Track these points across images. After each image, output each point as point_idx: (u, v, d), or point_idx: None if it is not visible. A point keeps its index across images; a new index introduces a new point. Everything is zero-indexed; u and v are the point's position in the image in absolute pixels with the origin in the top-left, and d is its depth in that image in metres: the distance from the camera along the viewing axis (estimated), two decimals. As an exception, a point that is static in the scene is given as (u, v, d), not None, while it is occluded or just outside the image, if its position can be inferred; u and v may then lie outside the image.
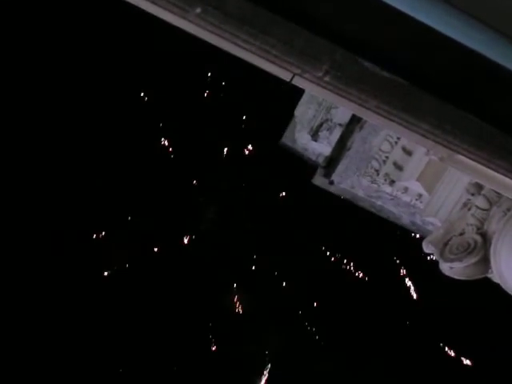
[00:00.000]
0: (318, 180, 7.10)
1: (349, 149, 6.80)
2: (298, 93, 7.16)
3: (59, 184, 12.76)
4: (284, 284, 14.44)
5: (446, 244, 5.91)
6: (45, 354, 12.32)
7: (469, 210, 5.92)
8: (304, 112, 7.13)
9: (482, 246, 5.72)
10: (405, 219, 7.02)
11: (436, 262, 6.02)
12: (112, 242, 13.05)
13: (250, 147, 14.00)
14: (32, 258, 12.38)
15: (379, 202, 6.93)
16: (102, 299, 12.82)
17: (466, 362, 13.34)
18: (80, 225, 13.05)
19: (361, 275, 14.40)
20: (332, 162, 6.93)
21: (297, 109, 7.23)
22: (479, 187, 5.82)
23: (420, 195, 6.62)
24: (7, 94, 12.44)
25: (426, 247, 6.05)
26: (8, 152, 12.38)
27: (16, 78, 12.57)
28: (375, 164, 6.67)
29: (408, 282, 13.92)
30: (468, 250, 5.74)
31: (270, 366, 13.46)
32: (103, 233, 12.95)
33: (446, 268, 5.89)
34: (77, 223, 12.89)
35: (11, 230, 12.31)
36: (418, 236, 7.24)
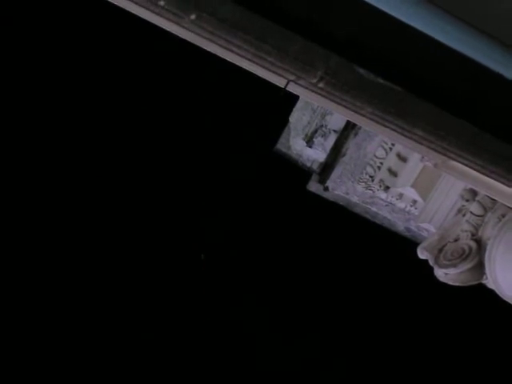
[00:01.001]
0: (313, 186, 7.10)
1: (343, 155, 6.81)
2: (293, 99, 7.16)
3: (57, 194, 12.74)
4: (278, 290, 14.43)
5: (440, 250, 5.92)
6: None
7: (463, 216, 5.93)
8: (299, 118, 7.14)
9: (477, 252, 5.72)
10: (399, 225, 7.03)
11: (431, 269, 6.03)
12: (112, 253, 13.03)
13: (244, 153, 13.98)
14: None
15: (374, 209, 6.93)
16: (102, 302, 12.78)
17: (462, 367, 13.33)
18: (78, 231, 13.01)
19: (355, 281, 14.39)
20: (327, 168, 6.94)
21: (291, 115, 7.24)
22: (474, 193, 5.83)
23: (415, 201, 6.63)
24: (7, 96, 12.44)
25: (421, 253, 6.05)
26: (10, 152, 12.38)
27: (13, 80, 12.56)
28: (370, 170, 6.67)
29: (402, 289, 13.91)
30: (463, 256, 5.75)
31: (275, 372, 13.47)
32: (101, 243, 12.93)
33: (440, 274, 5.89)
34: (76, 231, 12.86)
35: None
36: (412, 242, 7.24)
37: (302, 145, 7.14)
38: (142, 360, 12.60)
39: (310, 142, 7.01)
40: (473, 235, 5.81)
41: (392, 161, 6.59)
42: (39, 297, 12.42)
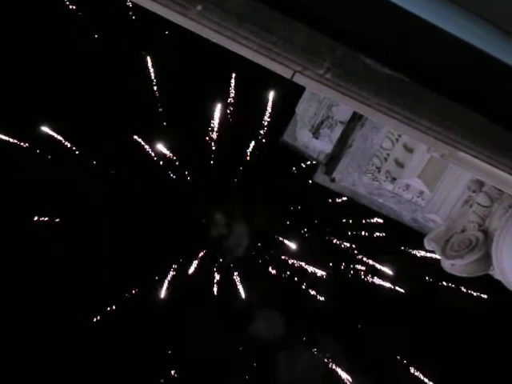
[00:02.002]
0: (319, 177, 7.08)
1: (350, 146, 6.79)
2: (300, 90, 7.15)
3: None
4: (286, 278, 14.46)
5: (447, 241, 5.90)
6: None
7: (470, 207, 5.91)
8: (305, 110, 7.12)
9: (484, 242, 5.71)
10: (406, 216, 7.01)
11: (437, 259, 6.02)
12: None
13: (251, 145, 13.99)
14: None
15: (380, 200, 6.91)
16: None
17: (469, 357, 13.35)
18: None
19: (362, 272, 14.41)
20: (333, 159, 6.92)
21: (298, 106, 7.22)
22: (480, 184, 5.81)
23: (421, 192, 6.61)
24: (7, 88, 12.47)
25: (428, 244, 6.04)
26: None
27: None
28: (376, 161, 6.65)
29: (410, 280, 13.92)
30: (469, 247, 5.73)
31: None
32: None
33: (447, 265, 5.88)
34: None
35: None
36: (419, 233, 7.24)
37: (308, 136, 7.12)
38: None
39: (316, 133, 6.99)
40: (480, 226, 5.79)
41: (398, 152, 6.57)
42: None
